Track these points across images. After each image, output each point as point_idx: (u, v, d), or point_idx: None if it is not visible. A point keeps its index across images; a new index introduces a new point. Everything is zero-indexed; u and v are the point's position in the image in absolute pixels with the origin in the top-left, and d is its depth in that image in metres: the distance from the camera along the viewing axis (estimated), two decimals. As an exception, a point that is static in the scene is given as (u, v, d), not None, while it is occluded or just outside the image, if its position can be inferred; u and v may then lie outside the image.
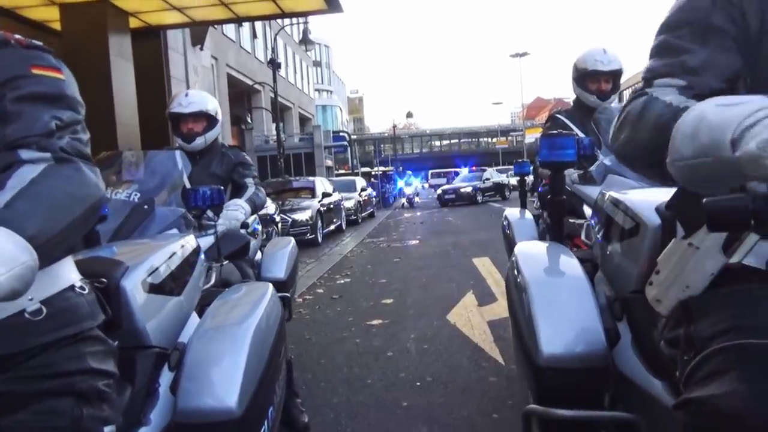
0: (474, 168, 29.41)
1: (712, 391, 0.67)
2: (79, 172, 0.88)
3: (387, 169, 33.09)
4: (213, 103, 2.74)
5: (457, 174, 23.57)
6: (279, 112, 19.03)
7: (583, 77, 2.65)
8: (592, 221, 1.59)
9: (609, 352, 1.15)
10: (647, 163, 0.86)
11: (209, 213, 2.49)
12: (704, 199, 0.61)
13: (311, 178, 13.71)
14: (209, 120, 2.69)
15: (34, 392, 0.85)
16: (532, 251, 1.54)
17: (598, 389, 1.15)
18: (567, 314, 1.19)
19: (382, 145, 58.05)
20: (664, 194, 1.10)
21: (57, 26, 8.84)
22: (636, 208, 1.18)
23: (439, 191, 23.48)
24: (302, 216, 10.33)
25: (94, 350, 0.95)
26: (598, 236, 1.44)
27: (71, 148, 0.90)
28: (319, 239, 10.62)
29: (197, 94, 2.76)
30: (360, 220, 15.36)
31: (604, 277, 1.37)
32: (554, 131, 1.79)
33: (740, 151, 0.60)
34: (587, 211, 2.00)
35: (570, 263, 1.37)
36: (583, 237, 1.91)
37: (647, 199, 1.17)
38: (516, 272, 1.41)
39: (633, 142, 0.86)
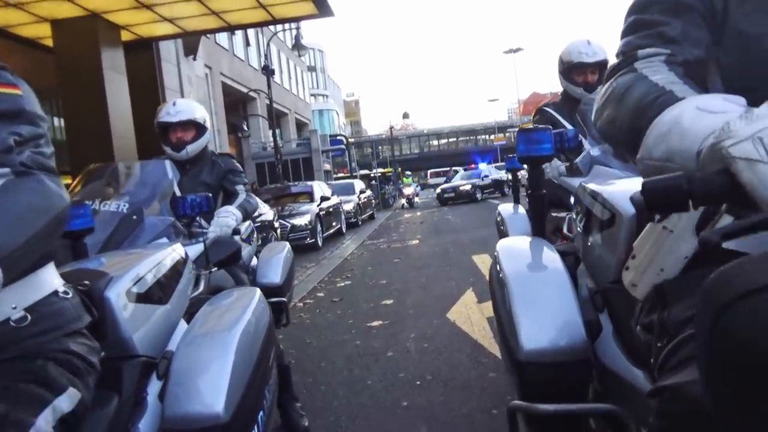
0: (472, 165, 29.44)
1: (685, 377, 0.65)
2: (41, 184, 0.89)
3: (386, 170, 33.09)
4: (201, 112, 2.75)
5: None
6: (275, 118, 19.06)
7: (569, 70, 2.65)
8: (574, 213, 1.59)
9: (590, 345, 1.15)
10: (630, 146, 0.85)
11: (201, 221, 2.50)
12: (642, 181, 0.62)
13: (309, 183, 13.72)
14: (198, 128, 2.70)
15: (10, 359, 0.87)
16: (513, 247, 1.54)
17: (580, 382, 1.15)
18: (546, 309, 1.19)
19: (380, 147, 58.10)
20: (641, 184, 1.10)
21: (49, 42, 8.86)
22: (612, 199, 1.18)
23: (438, 190, 23.48)
24: (301, 221, 10.34)
25: (79, 341, 0.97)
26: (579, 228, 1.44)
27: (32, 161, 0.90)
28: (319, 243, 10.63)
29: (185, 102, 2.77)
30: (360, 223, 15.37)
31: (585, 269, 1.37)
32: (530, 126, 1.79)
33: (703, 150, 0.62)
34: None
35: (550, 257, 1.37)
36: (565, 230, 1.91)
37: (623, 189, 1.17)
38: (497, 268, 1.42)
39: (615, 122, 0.85)
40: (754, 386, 0.46)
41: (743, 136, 0.57)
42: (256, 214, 4.29)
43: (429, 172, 46.05)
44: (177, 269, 1.53)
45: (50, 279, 0.98)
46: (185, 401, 1.13)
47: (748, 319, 0.46)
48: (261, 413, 1.32)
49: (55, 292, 0.97)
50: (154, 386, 1.21)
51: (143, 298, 1.28)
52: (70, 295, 0.99)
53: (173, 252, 1.56)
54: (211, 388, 1.15)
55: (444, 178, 32.81)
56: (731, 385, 0.49)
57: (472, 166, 28.83)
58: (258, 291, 1.58)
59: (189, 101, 2.86)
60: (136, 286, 1.26)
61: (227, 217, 2.47)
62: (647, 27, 0.89)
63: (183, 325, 1.46)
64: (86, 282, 1.12)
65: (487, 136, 62.43)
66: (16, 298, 0.89)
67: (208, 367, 1.20)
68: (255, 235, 3.36)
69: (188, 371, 1.19)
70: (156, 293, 1.35)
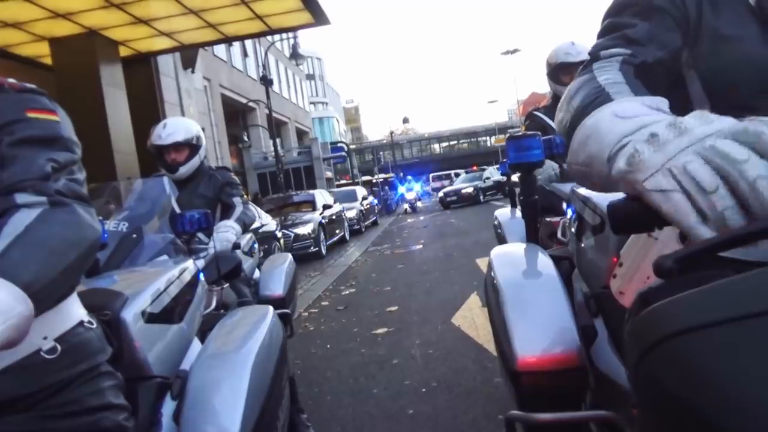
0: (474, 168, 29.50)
1: None
2: (75, 215, 0.88)
3: (388, 176, 33.17)
4: (194, 129, 2.74)
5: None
6: (275, 127, 19.10)
7: (556, 71, 2.68)
8: (568, 218, 1.59)
9: (585, 351, 1.15)
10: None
11: (201, 236, 2.51)
12: (607, 203, 0.63)
13: (311, 192, 13.72)
14: (191, 148, 2.69)
15: (61, 431, 0.87)
16: (506, 254, 1.54)
17: (577, 389, 1.15)
18: (540, 316, 1.19)
19: (381, 153, 58.17)
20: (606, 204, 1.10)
21: (48, 61, 8.95)
22: (601, 204, 1.19)
23: (440, 194, 23.48)
24: (304, 230, 10.35)
25: (110, 385, 0.97)
26: (572, 233, 1.45)
27: (67, 189, 0.90)
28: (323, 251, 10.64)
29: (175, 123, 2.75)
30: (363, 229, 15.37)
31: (579, 274, 1.37)
32: (518, 134, 1.80)
33: (613, 169, 0.62)
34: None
35: (544, 263, 1.37)
36: (559, 234, 1.91)
37: (613, 194, 1.18)
38: (492, 276, 1.42)
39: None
40: (675, 428, 0.47)
41: (653, 168, 0.58)
42: (258, 225, 4.31)
43: (431, 176, 46.03)
44: (190, 286, 1.52)
45: (76, 309, 0.98)
46: (201, 423, 1.13)
47: (666, 364, 0.46)
48: None
49: (81, 323, 0.97)
50: (168, 406, 1.20)
51: (158, 317, 1.27)
52: (94, 326, 1.00)
53: (186, 269, 1.55)
54: (227, 410, 1.14)
55: (447, 182, 32.80)
56: (653, 427, 0.49)
57: (474, 167, 28.82)
58: (271, 309, 1.57)
59: (179, 120, 2.84)
60: (152, 306, 1.26)
61: (227, 232, 2.48)
62: (615, 29, 0.90)
63: (196, 343, 1.46)
64: (105, 310, 1.11)
65: (488, 138, 62.46)
66: (46, 328, 0.88)
67: (223, 388, 1.19)
68: (256, 248, 3.37)
69: (204, 393, 1.18)
70: (170, 312, 1.34)
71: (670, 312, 0.49)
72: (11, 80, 0.97)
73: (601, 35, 0.93)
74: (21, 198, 0.85)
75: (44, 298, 0.80)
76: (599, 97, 0.78)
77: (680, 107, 0.75)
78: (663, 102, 0.71)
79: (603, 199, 1.21)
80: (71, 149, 0.96)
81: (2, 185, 0.86)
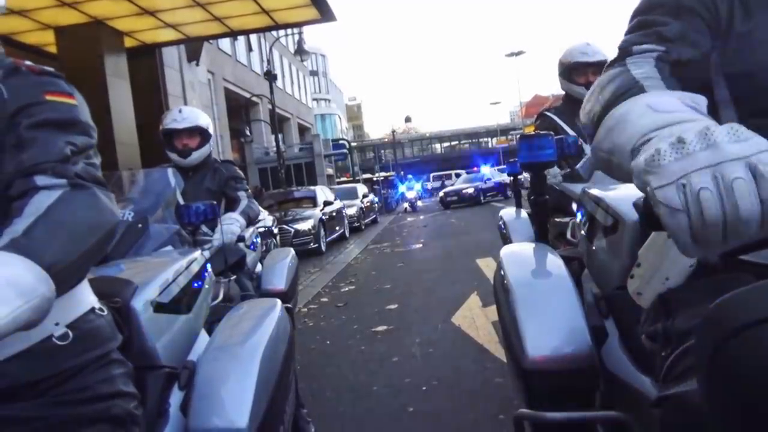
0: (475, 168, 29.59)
1: (688, 387, 0.65)
2: (95, 198, 0.88)
3: (388, 174, 33.20)
4: (206, 119, 2.80)
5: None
6: (277, 123, 19.10)
7: (569, 71, 2.66)
8: (578, 219, 1.59)
9: (596, 351, 1.14)
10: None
11: (205, 228, 2.51)
12: (634, 200, 0.62)
13: (312, 188, 13.73)
14: (203, 135, 2.74)
15: (72, 418, 0.86)
16: (516, 253, 1.53)
17: (587, 389, 1.15)
18: (551, 316, 1.18)
19: (382, 151, 58.18)
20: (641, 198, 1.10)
21: (53, 49, 8.93)
22: (614, 205, 1.18)
23: (441, 194, 23.51)
24: (304, 226, 10.35)
25: (120, 372, 0.96)
26: (583, 233, 1.44)
27: (86, 173, 0.89)
28: (323, 248, 10.64)
29: (191, 110, 2.82)
30: (363, 227, 15.37)
31: (590, 274, 1.37)
32: (531, 133, 1.79)
33: (633, 163, 0.61)
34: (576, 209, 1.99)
35: (554, 263, 1.37)
36: (569, 235, 1.90)
37: (626, 194, 1.17)
38: (502, 275, 1.42)
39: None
40: (756, 416, 0.46)
41: (668, 179, 0.56)
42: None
43: (432, 175, 46.02)
44: (198, 277, 1.52)
45: (88, 295, 0.97)
46: (209, 415, 1.12)
47: (750, 352, 0.46)
48: (281, 428, 1.30)
49: (92, 309, 0.96)
50: (175, 397, 1.19)
51: (167, 307, 1.26)
52: (105, 313, 0.99)
53: (194, 260, 1.54)
54: (236, 402, 1.14)
55: (449, 182, 32.81)
56: (735, 415, 0.49)
57: (475, 169, 28.87)
58: (279, 302, 1.56)
59: (194, 109, 2.90)
60: (161, 296, 1.25)
61: (232, 225, 2.49)
62: (646, 27, 0.90)
63: (203, 334, 1.45)
64: (115, 298, 1.10)
65: (489, 139, 62.48)
66: (59, 314, 0.87)
67: (231, 380, 1.18)
68: (258, 242, 3.37)
69: (212, 384, 1.17)
70: (179, 302, 1.33)
71: (751, 301, 0.49)
72: (29, 63, 0.96)
73: (630, 32, 0.92)
74: (41, 180, 0.85)
75: (64, 281, 0.79)
76: (633, 89, 0.77)
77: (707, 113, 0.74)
78: (701, 99, 0.70)
79: (616, 200, 1.21)
80: (89, 133, 0.95)
81: (22, 167, 0.86)
